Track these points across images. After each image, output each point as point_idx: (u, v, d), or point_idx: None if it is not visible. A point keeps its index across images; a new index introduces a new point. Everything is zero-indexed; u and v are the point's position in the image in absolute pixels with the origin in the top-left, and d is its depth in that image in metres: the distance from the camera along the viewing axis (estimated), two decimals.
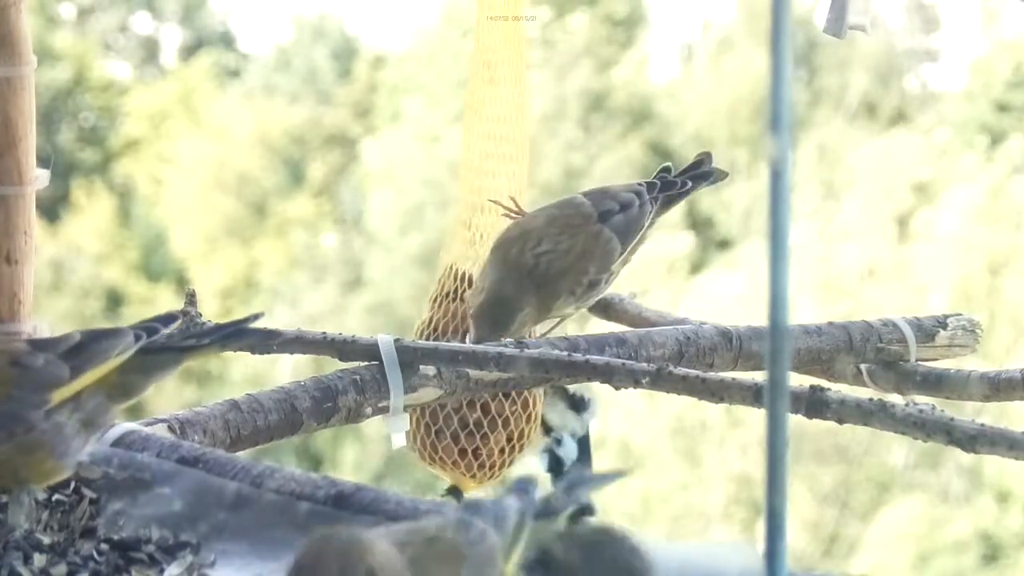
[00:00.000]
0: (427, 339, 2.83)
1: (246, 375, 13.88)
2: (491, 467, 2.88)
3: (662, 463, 12.63)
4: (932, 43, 16.59)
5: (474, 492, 2.92)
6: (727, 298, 12.38)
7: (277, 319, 13.90)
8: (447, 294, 2.88)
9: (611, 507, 12.57)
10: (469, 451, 2.86)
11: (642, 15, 16.83)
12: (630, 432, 12.70)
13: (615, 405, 11.97)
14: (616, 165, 15.33)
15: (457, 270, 2.88)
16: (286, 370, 12.30)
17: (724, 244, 14.74)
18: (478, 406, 2.84)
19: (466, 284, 2.86)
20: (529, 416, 2.88)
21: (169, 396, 13.99)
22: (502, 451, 2.87)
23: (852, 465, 12.15)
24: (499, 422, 2.85)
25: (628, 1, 16.52)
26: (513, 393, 2.83)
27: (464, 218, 2.88)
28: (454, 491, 2.89)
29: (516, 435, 2.87)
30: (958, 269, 12.45)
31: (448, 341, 2.76)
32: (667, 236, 14.49)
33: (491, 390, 2.75)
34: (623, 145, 15.48)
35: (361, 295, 15.29)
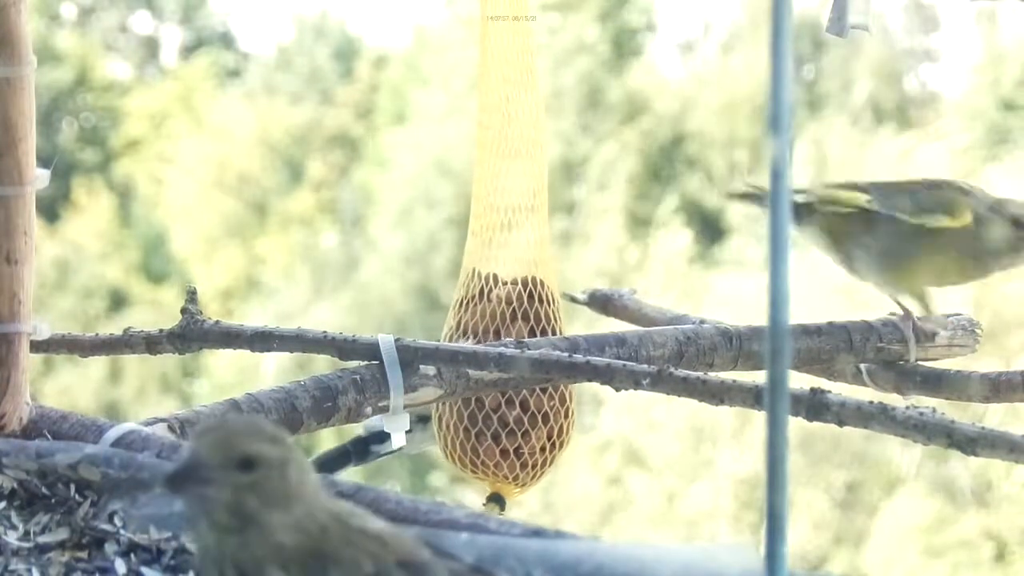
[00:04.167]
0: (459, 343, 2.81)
1: (229, 376, 13.90)
2: (533, 467, 2.86)
3: (669, 464, 12.62)
4: (932, 43, 16.59)
5: (517, 497, 2.91)
6: (734, 297, 12.38)
7: (276, 318, 13.91)
8: (472, 296, 2.88)
9: (616, 508, 12.56)
10: (511, 451, 2.84)
11: (645, 15, 16.82)
12: (637, 433, 12.69)
13: (622, 405, 11.96)
14: (614, 165, 15.32)
15: (479, 272, 2.88)
16: (270, 371, 12.30)
17: (732, 243, 14.73)
18: (517, 403, 2.84)
19: (490, 283, 2.86)
20: (567, 411, 2.88)
21: (155, 398, 14.00)
22: (543, 449, 2.86)
23: (860, 463, 12.15)
24: (539, 418, 2.84)
25: (633, 1, 16.51)
26: (550, 388, 2.83)
27: (479, 219, 2.89)
28: (496, 498, 2.88)
29: (556, 432, 2.86)
30: None
31: (479, 343, 2.75)
32: (673, 234, 14.49)
33: (499, 389, 2.75)
34: (623, 145, 15.47)
35: (361, 294, 15.28)
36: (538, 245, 2.88)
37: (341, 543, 1.46)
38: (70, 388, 13.95)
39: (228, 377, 13.93)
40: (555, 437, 2.86)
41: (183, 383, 14.68)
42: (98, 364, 13.74)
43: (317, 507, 1.47)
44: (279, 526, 1.45)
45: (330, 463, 3.05)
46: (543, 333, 2.82)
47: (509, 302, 2.86)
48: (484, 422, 2.84)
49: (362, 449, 3.01)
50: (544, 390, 2.83)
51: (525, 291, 2.86)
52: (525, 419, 2.84)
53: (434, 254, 14.98)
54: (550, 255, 2.91)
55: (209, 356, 13.09)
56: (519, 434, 2.84)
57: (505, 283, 2.87)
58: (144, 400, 14.07)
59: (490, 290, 2.86)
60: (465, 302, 2.88)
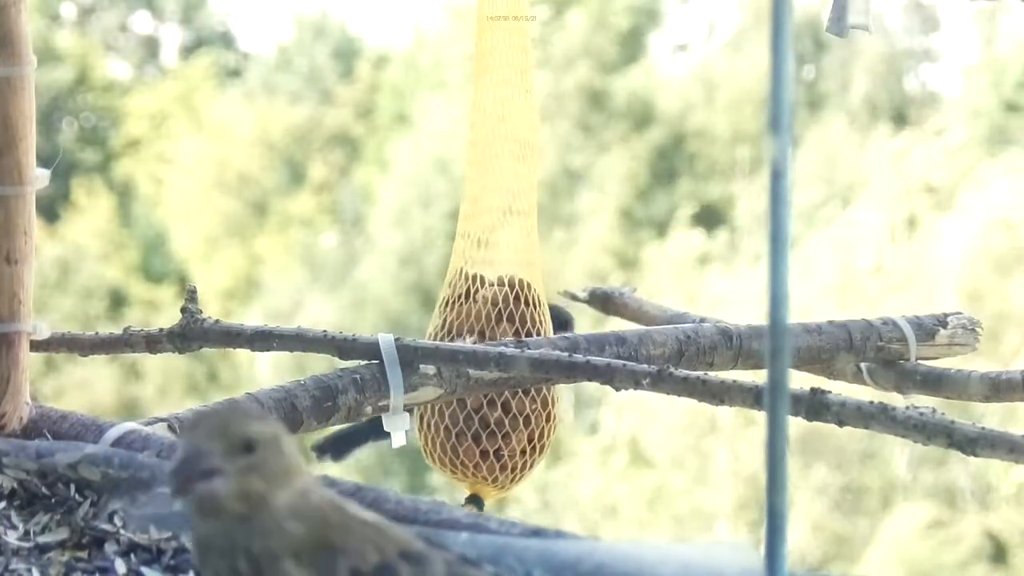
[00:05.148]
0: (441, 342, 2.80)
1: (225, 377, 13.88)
2: (513, 469, 2.85)
3: (671, 462, 12.61)
4: (932, 43, 16.59)
5: (495, 498, 2.91)
6: (739, 295, 12.38)
7: (276, 317, 13.90)
8: (459, 296, 2.87)
9: (620, 508, 12.55)
10: (491, 452, 2.84)
11: (648, 14, 16.81)
12: (640, 431, 12.68)
13: (623, 404, 11.95)
14: (617, 164, 15.31)
15: (466, 272, 2.87)
16: (265, 371, 12.28)
17: (734, 242, 14.73)
18: (498, 404, 2.83)
19: (476, 284, 2.85)
20: (549, 415, 2.87)
21: (178, 396, 13.99)
22: (524, 452, 2.85)
23: (861, 465, 12.14)
24: (520, 421, 2.84)
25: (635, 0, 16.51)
26: (532, 390, 2.82)
27: (469, 220, 2.88)
28: (474, 499, 2.87)
29: (537, 435, 2.85)
30: (967, 270, 12.43)
31: (477, 343, 2.74)
32: (675, 234, 14.48)
33: (498, 388, 2.74)
34: (624, 145, 15.47)
35: (360, 293, 15.28)
36: (526, 248, 2.87)
37: (343, 532, 1.46)
38: (87, 385, 13.92)
39: (231, 375, 13.94)
40: (536, 440, 2.85)
41: (205, 382, 14.68)
42: (114, 361, 13.71)
43: (311, 487, 1.48)
44: (284, 506, 1.44)
45: (347, 440, 3.01)
46: (528, 335, 2.80)
47: (495, 303, 2.85)
48: (465, 423, 2.83)
49: (379, 428, 2.97)
50: (527, 392, 2.82)
51: (511, 293, 2.85)
52: (506, 421, 2.83)
53: (431, 253, 14.97)
54: (538, 258, 2.90)
55: (232, 353, 13.07)
56: (499, 436, 2.83)
57: (491, 284, 2.86)
58: (167, 398, 14.05)
59: (476, 291, 2.85)
60: (451, 302, 2.87)
